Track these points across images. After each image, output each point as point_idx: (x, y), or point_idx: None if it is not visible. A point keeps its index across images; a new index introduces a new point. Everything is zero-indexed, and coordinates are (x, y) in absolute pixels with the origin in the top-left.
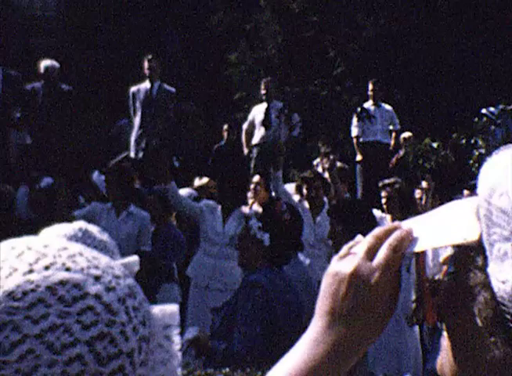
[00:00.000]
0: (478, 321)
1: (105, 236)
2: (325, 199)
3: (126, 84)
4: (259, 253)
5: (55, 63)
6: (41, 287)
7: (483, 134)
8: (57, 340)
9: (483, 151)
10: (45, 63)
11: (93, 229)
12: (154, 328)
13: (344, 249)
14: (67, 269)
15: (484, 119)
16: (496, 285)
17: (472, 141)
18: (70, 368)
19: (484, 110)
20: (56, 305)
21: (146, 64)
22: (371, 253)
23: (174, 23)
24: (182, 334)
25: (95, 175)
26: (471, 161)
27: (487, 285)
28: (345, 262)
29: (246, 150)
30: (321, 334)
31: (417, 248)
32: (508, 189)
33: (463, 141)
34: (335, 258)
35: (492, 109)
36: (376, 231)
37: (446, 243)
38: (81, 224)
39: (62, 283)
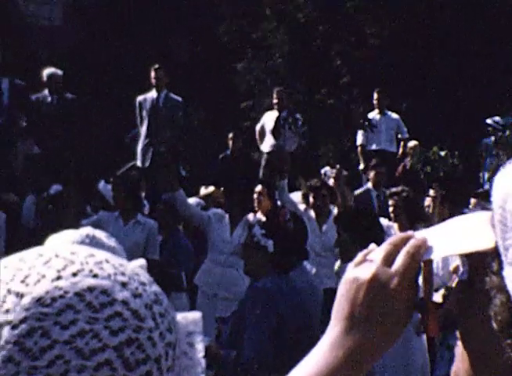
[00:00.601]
0: (494, 324)
1: (112, 242)
2: (331, 207)
3: (133, 93)
4: (264, 260)
5: (58, 71)
6: (70, 294)
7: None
8: (86, 345)
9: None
10: (47, 71)
11: (101, 234)
12: (179, 335)
13: (360, 256)
14: (95, 276)
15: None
16: None
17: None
18: (99, 373)
19: (489, 120)
20: (85, 311)
21: (152, 74)
22: (389, 260)
23: (182, 32)
24: None
25: (102, 184)
26: (487, 173)
27: (502, 288)
28: (363, 269)
29: (260, 146)
30: (339, 339)
31: (434, 256)
32: None
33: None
34: (351, 265)
35: (497, 118)
36: (393, 239)
37: (462, 251)
38: (88, 230)
39: (90, 289)
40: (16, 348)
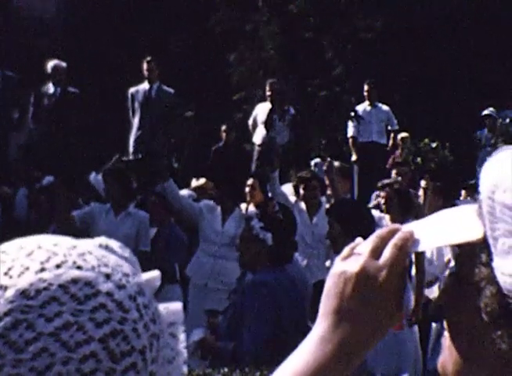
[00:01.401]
0: (484, 316)
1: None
2: (322, 199)
3: (125, 85)
4: (262, 253)
5: (62, 63)
6: (54, 286)
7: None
8: (71, 338)
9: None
10: (52, 63)
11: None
12: (161, 326)
13: (347, 250)
14: (78, 268)
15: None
16: (502, 279)
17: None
18: (85, 366)
19: (486, 111)
20: (69, 303)
21: (144, 66)
22: (376, 252)
23: (174, 23)
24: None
25: (93, 176)
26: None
27: (492, 279)
28: (351, 262)
29: (252, 138)
30: (327, 333)
31: (421, 248)
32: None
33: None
34: (338, 259)
35: (491, 109)
36: (379, 232)
37: (450, 242)
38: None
39: (74, 281)
40: (1, 341)
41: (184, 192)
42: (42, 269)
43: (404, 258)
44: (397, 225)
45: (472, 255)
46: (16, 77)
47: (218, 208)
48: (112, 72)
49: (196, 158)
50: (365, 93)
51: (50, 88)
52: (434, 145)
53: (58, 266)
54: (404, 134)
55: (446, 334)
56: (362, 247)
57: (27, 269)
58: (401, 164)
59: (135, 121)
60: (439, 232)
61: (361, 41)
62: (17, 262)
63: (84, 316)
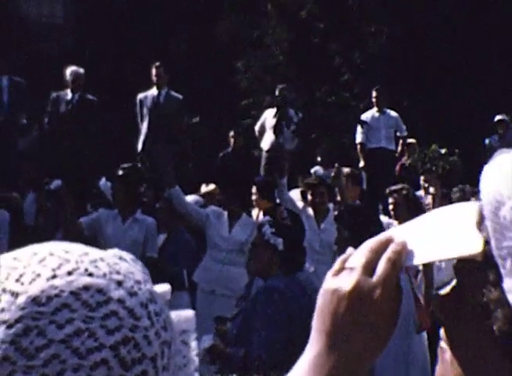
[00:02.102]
0: (497, 337)
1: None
2: (330, 205)
3: (133, 91)
4: (273, 259)
5: (81, 69)
6: (66, 293)
7: None
8: (82, 345)
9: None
10: (70, 69)
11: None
12: (173, 333)
13: (338, 263)
14: (90, 275)
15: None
16: None
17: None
18: (96, 373)
19: (500, 117)
20: (81, 310)
21: (153, 71)
22: (369, 268)
23: (182, 29)
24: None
25: (103, 181)
26: None
27: (503, 302)
28: (343, 279)
29: (260, 144)
30: (322, 355)
31: (416, 261)
32: None
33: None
34: (330, 274)
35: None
36: (371, 244)
37: (447, 256)
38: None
39: (85, 288)
40: (12, 348)
41: (191, 198)
42: (54, 276)
43: (398, 272)
44: (389, 235)
45: (474, 271)
46: (24, 82)
47: (225, 214)
48: (120, 78)
49: (204, 164)
50: (374, 99)
51: (68, 94)
52: (442, 151)
53: (69, 273)
54: (411, 140)
55: (444, 345)
56: (354, 260)
57: (39, 275)
58: (408, 170)
59: (144, 127)
60: (435, 243)
61: (368, 48)
62: (29, 269)
63: (96, 323)
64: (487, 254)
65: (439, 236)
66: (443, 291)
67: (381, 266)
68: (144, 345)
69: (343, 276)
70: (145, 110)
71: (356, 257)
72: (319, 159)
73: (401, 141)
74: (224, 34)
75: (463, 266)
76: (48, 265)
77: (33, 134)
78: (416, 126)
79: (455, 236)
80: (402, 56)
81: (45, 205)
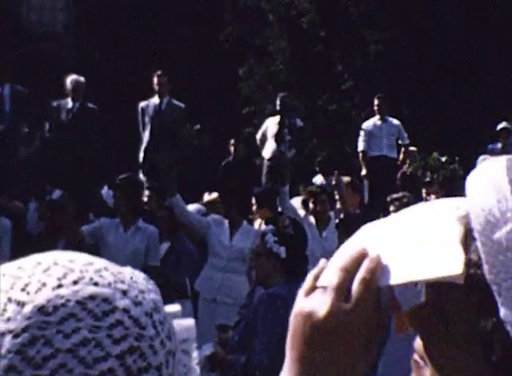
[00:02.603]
0: (496, 365)
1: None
2: (331, 213)
3: (135, 99)
4: (276, 267)
5: (81, 78)
6: (72, 302)
7: None
8: (89, 354)
9: None
10: (71, 78)
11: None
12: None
13: (310, 280)
14: (95, 284)
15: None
16: None
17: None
18: None
19: (503, 125)
20: (87, 319)
21: (155, 80)
22: (343, 289)
23: (184, 37)
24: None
25: (105, 190)
26: None
27: (501, 331)
28: (317, 300)
29: (262, 152)
30: None
31: (392, 281)
32: None
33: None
34: (302, 293)
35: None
36: (345, 261)
37: (425, 277)
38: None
39: (91, 297)
40: (18, 357)
41: (192, 206)
42: (59, 286)
43: (373, 293)
44: (363, 250)
45: (456, 292)
46: (25, 91)
47: (226, 222)
48: (121, 86)
49: (206, 172)
50: (376, 107)
51: (68, 102)
52: (443, 159)
53: (75, 282)
54: (411, 148)
55: (417, 357)
56: (327, 279)
57: (44, 285)
58: (409, 178)
59: (145, 135)
60: (413, 259)
61: (370, 55)
62: (34, 278)
63: (102, 332)
64: (476, 277)
65: (418, 251)
66: (415, 306)
67: (355, 288)
68: (150, 354)
69: (316, 297)
70: (147, 119)
71: (328, 274)
72: (317, 169)
73: (402, 149)
74: (226, 42)
75: (440, 286)
76: (53, 274)
77: (35, 143)
78: (417, 134)
79: (436, 254)
80: (402, 64)
81: (46, 215)
